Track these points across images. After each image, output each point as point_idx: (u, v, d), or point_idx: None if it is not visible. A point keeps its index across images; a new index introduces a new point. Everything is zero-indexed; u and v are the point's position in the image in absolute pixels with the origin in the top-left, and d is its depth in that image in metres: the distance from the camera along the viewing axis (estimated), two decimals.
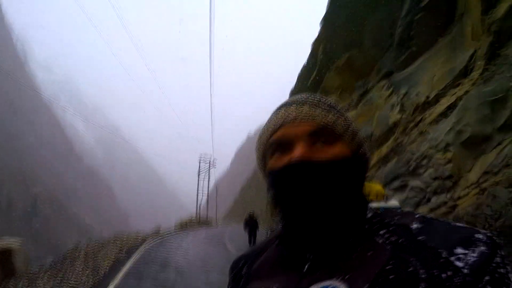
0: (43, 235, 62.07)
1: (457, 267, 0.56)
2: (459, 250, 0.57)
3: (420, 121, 10.57)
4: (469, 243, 0.58)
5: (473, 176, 8.01)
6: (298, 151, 0.68)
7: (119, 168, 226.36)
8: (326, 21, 17.73)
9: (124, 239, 15.73)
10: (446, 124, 9.31)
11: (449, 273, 0.55)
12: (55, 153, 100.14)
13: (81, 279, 7.83)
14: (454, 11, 11.05)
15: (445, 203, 8.18)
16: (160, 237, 18.84)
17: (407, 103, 11.45)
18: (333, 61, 16.30)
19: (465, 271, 0.55)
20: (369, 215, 0.74)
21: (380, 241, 0.67)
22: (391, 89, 12.46)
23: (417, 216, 0.69)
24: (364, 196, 0.76)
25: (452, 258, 0.57)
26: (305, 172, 0.67)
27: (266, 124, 0.79)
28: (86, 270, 8.68)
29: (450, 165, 8.54)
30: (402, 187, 9.92)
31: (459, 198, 7.93)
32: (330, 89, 16.28)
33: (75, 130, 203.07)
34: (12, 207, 60.03)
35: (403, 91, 11.82)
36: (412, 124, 10.86)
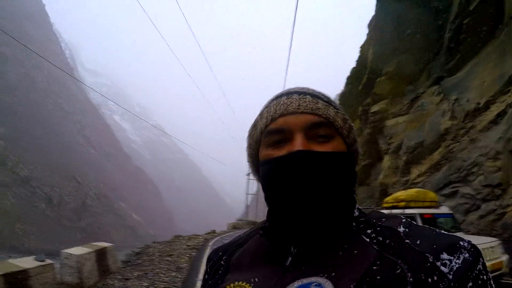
0: (93, 230, 66.56)
1: (442, 272, 0.58)
2: (445, 256, 0.60)
3: (470, 128, 11.18)
4: (453, 249, 0.60)
5: None
6: (300, 143, 0.69)
7: (165, 168, 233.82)
8: (374, 25, 18.37)
9: (187, 238, 17.21)
10: (496, 132, 9.92)
11: (435, 277, 0.57)
12: (104, 153, 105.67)
13: (171, 276, 9.06)
14: (503, 14, 11.48)
15: (494, 210, 8.82)
16: (218, 236, 20.20)
17: (458, 110, 12.04)
18: (383, 65, 16.91)
19: (450, 276, 0.57)
20: (356, 214, 0.76)
21: (367, 240, 0.68)
22: (442, 94, 13.06)
23: (403, 220, 0.71)
24: (353, 195, 0.79)
25: (438, 263, 0.59)
26: (308, 163, 0.68)
27: (263, 111, 0.79)
28: (171, 267, 10.04)
29: (499, 173, 9.16)
30: (452, 194, 10.56)
31: (508, 205, 8.55)
32: (382, 94, 16.92)
33: (123, 130, 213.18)
34: (63, 203, 64.81)
35: (453, 97, 12.41)
36: (463, 131, 11.46)
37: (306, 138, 0.71)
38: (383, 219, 0.73)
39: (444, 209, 8.86)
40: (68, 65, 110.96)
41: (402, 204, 8.90)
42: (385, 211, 8.32)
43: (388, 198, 9.97)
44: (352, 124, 0.78)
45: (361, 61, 20.89)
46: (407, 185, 13.23)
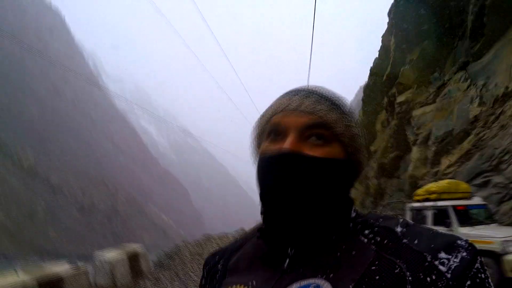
0: (124, 233, 68.28)
1: (440, 271, 0.59)
2: (443, 255, 0.61)
3: (500, 113, 10.81)
4: (451, 248, 0.62)
5: None
6: (289, 142, 0.70)
7: (192, 169, 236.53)
8: (394, 13, 17.99)
9: (217, 239, 17.34)
10: None
11: (433, 276, 0.59)
12: (132, 157, 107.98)
13: None
14: None
15: None
16: None
17: (486, 95, 11.66)
18: (407, 54, 16.57)
19: (448, 275, 0.58)
20: (353, 215, 0.77)
21: (365, 240, 0.69)
22: (469, 80, 12.68)
23: (400, 220, 0.72)
24: (350, 197, 0.79)
25: (436, 262, 0.60)
26: (291, 164, 0.69)
27: (269, 106, 0.80)
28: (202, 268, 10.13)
29: None
30: (484, 184, 10.23)
31: None
32: (407, 83, 16.58)
33: (149, 134, 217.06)
34: (94, 208, 66.78)
35: (481, 82, 12.03)
36: (492, 117, 11.10)
37: (300, 137, 0.72)
38: (381, 220, 0.74)
39: (477, 200, 8.68)
40: (92, 74, 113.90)
41: (434, 196, 8.81)
42: (417, 205, 8.24)
43: (419, 191, 9.87)
44: (358, 133, 0.77)
45: (383, 50, 20.52)
46: (437, 177, 12.94)
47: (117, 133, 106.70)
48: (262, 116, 0.81)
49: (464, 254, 0.61)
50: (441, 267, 0.60)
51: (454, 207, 8.11)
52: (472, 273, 0.60)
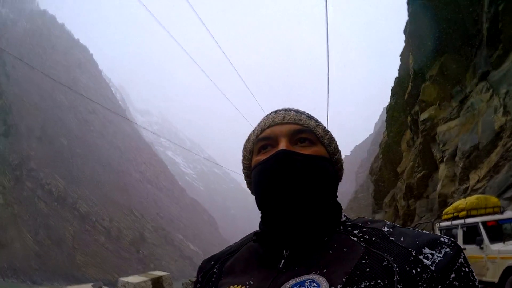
0: (151, 261, 68.54)
1: (425, 264, 0.64)
2: (427, 251, 0.66)
3: None
4: (435, 245, 0.67)
5: None
6: (283, 144, 0.78)
7: (219, 198, 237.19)
8: (410, 30, 17.87)
9: None
10: None
11: (418, 269, 0.63)
12: (160, 187, 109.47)
13: None
14: None
15: None
16: None
17: (510, 103, 11.23)
18: (426, 70, 16.32)
19: (433, 268, 0.63)
20: (343, 219, 0.83)
21: (355, 239, 0.74)
22: (491, 90, 12.31)
23: (387, 223, 0.78)
24: (338, 202, 0.86)
25: (421, 257, 0.65)
26: (290, 160, 0.76)
27: (256, 126, 0.90)
28: None
29: None
30: None
31: None
32: (429, 100, 16.26)
33: (176, 165, 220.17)
34: (121, 236, 67.46)
35: (503, 90, 11.65)
36: None
37: (291, 142, 0.81)
38: (369, 223, 0.80)
39: (509, 214, 8.25)
40: (120, 107, 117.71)
41: (463, 213, 8.51)
42: (446, 224, 7.87)
43: (447, 209, 9.61)
44: (334, 137, 0.88)
45: (402, 69, 20.32)
46: (467, 193, 12.44)
47: (145, 163, 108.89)
48: (249, 137, 0.91)
49: (447, 250, 0.67)
50: (425, 261, 0.65)
51: (484, 223, 7.75)
52: (456, 266, 0.65)
